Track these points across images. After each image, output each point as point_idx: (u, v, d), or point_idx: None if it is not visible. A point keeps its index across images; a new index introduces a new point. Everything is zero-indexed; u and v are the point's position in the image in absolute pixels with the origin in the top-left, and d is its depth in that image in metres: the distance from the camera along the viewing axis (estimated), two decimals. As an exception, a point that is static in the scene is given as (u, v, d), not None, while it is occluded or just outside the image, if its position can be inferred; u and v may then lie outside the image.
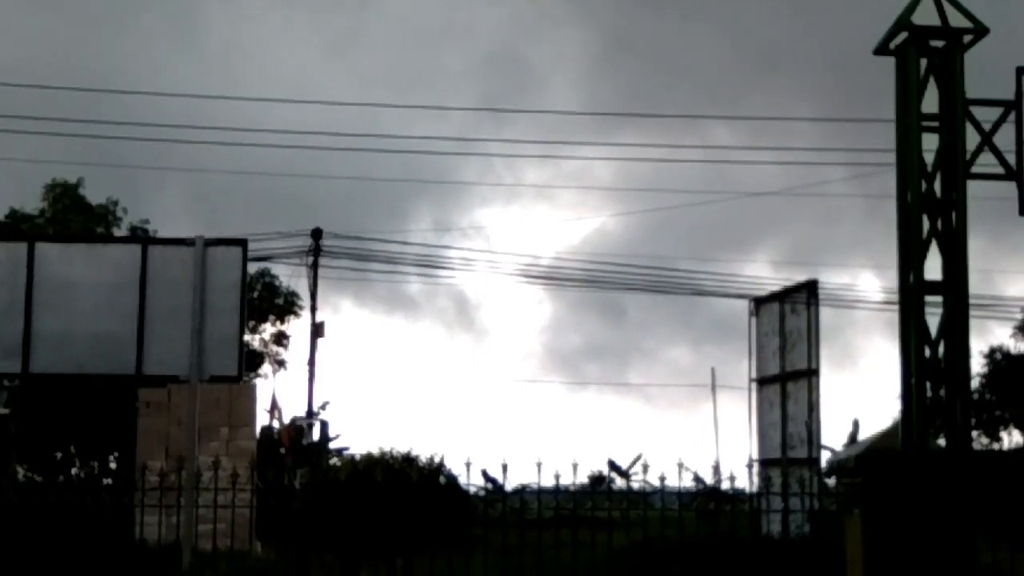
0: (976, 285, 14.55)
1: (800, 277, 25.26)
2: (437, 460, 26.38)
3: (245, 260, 14.50)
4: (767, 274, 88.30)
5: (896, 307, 14.90)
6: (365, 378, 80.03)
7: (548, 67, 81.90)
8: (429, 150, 61.79)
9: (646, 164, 68.47)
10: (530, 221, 79.25)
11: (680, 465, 14.37)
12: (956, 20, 14.61)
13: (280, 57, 74.22)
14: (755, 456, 23.72)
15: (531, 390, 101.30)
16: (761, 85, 74.84)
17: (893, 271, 14.79)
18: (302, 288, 38.01)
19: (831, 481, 25.39)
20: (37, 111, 33.96)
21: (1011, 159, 14.64)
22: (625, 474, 37.18)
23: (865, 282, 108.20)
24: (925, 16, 14.62)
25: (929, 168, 14.56)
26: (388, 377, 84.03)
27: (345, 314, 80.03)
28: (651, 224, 79.50)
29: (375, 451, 28.22)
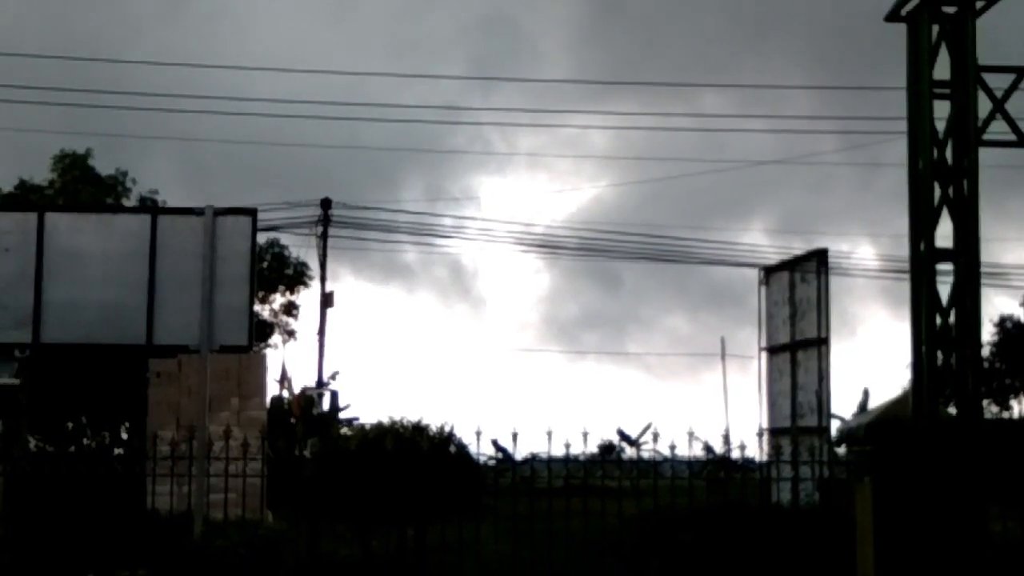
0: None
1: (796, 245, 25.37)
2: (447, 429, 26.47)
3: (255, 230, 14.46)
4: (764, 242, 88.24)
5: (893, 275, 14.94)
6: (369, 348, 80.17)
7: (539, 33, 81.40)
8: (420, 118, 61.55)
9: (642, 132, 68.22)
10: (527, 190, 79.16)
11: (690, 434, 14.39)
12: (968, -14, 14.51)
13: (269, 24, 73.77)
14: (765, 425, 23.75)
15: (533, 360, 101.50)
16: (754, 52, 74.51)
17: (888, 239, 14.87)
18: (310, 258, 38.13)
19: (841, 449, 25.39)
20: (22, 80, 33.84)
21: (1023, 126, 14.56)
22: (635, 443, 37.24)
23: (861, 250, 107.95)
24: (937, -18, 14.52)
25: (941, 135, 14.49)
26: (390, 347, 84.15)
27: (343, 284, 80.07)
28: (648, 193, 79.19)
29: (385, 421, 28.36)
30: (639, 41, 78.56)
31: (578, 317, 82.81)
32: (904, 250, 14.48)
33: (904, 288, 14.52)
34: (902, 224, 14.44)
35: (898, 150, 14.32)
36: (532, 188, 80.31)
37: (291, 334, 38.87)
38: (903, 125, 14.71)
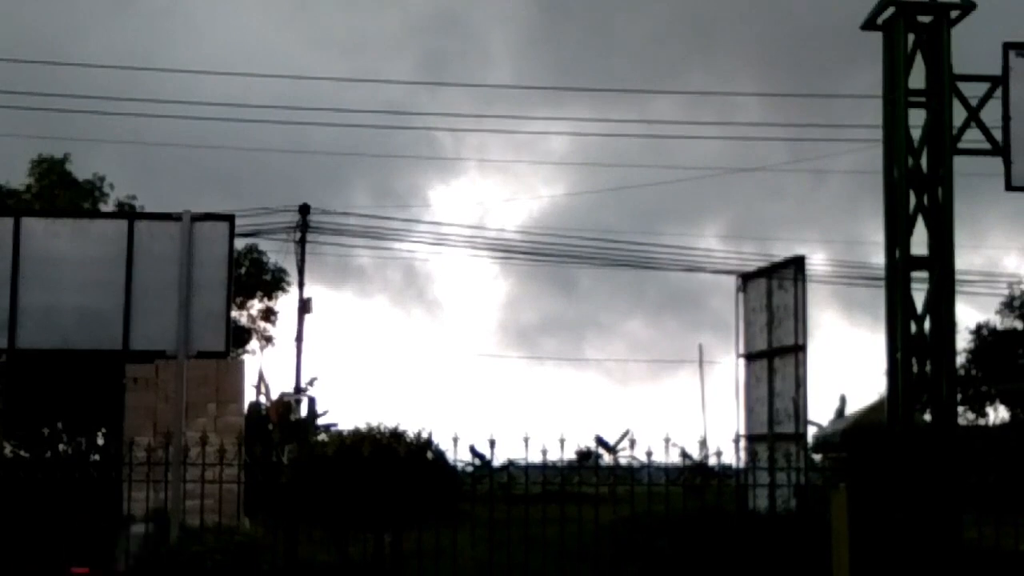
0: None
1: (750, 251, 25.48)
2: (425, 436, 26.43)
3: (232, 235, 14.47)
4: (718, 248, 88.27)
5: (846, 280, 15.01)
6: (344, 354, 79.97)
7: (486, 33, 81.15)
8: (367, 122, 60.99)
9: (595, 137, 67.97)
10: (487, 196, 78.99)
11: (667, 440, 14.43)
12: (943, -4, 14.62)
13: (219, 25, 73.22)
14: (742, 431, 23.82)
15: (495, 365, 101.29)
16: (702, 58, 74.58)
17: (843, 245, 14.93)
18: (287, 264, 38.12)
19: (818, 456, 25.51)
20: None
21: (997, 135, 14.67)
22: (612, 449, 37.26)
23: (816, 257, 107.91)
24: (912, -8, 14.61)
25: (916, 144, 14.58)
26: (362, 352, 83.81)
27: (316, 290, 79.61)
28: (604, 200, 78.89)
29: (362, 427, 28.31)
30: (588, 43, 78.25)
31: (552, 321, 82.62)
32: (860, 256, 14.65)
33: (861, 293, 14.72)
34: (856, 230, 14.61)
35: (850, 158, 14.47)
36: (493, 194, 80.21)
37: (269, 340, 38.80)
38: (855, 132, 14.90)
